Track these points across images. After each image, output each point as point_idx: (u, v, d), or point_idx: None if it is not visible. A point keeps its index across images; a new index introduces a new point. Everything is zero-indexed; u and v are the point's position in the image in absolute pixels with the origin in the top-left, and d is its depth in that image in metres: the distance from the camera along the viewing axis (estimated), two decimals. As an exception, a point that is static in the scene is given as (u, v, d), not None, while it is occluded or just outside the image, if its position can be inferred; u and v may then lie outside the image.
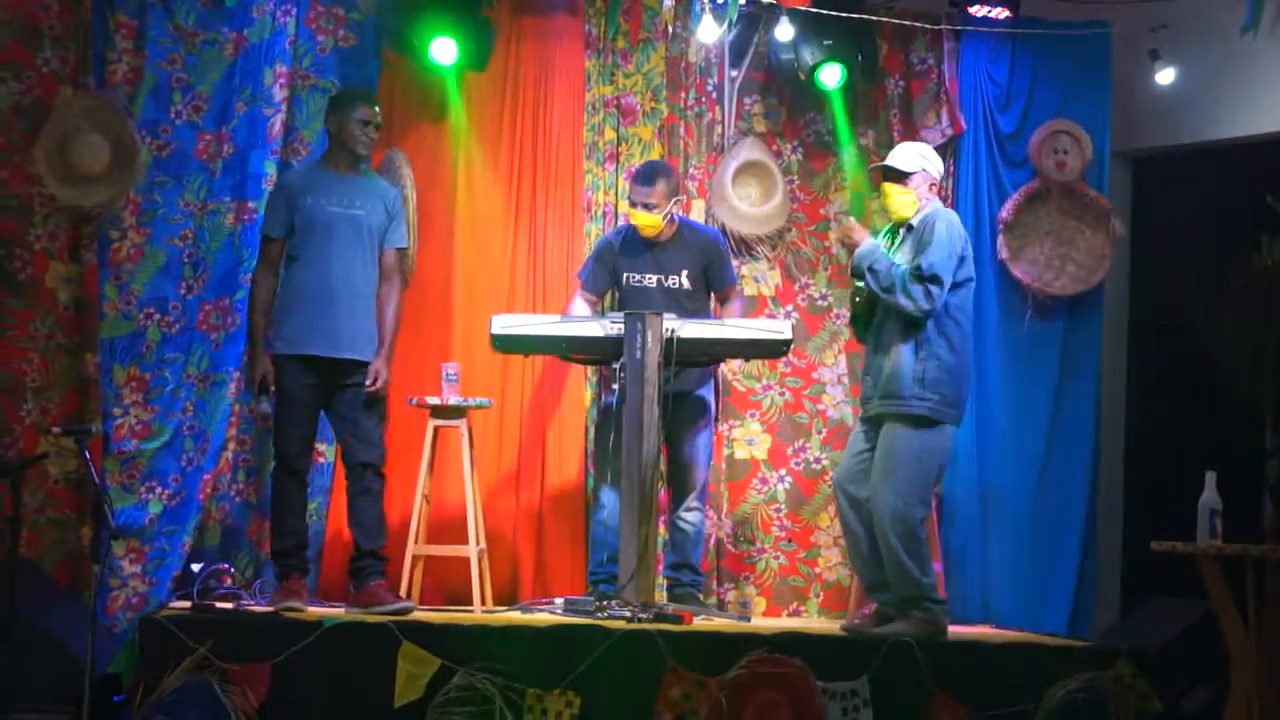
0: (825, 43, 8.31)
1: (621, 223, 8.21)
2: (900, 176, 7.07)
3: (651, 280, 7.79)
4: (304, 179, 7.28)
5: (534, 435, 8.29)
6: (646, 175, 7.76)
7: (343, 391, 7.15)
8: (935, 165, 7.18)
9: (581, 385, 8.34)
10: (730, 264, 8.04)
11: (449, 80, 8.21)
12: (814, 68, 8.37)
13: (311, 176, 7.27)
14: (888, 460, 6.94)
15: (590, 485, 8.20)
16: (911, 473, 6.95)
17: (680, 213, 7.90)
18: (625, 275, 7.83)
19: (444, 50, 7.97)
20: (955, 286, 6.97)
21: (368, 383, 7.11)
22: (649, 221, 7.71)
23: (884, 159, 7.32)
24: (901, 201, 7.09)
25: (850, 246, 7.06)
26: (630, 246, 7.85)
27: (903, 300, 6.87)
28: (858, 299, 7.22)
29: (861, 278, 6.98)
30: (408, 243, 7.41)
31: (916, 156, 7.13)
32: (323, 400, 7.19)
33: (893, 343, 6.97)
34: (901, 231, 7.10)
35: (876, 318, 7.09)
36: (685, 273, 7.79)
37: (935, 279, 6.87)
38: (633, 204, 7.77)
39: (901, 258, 7.00)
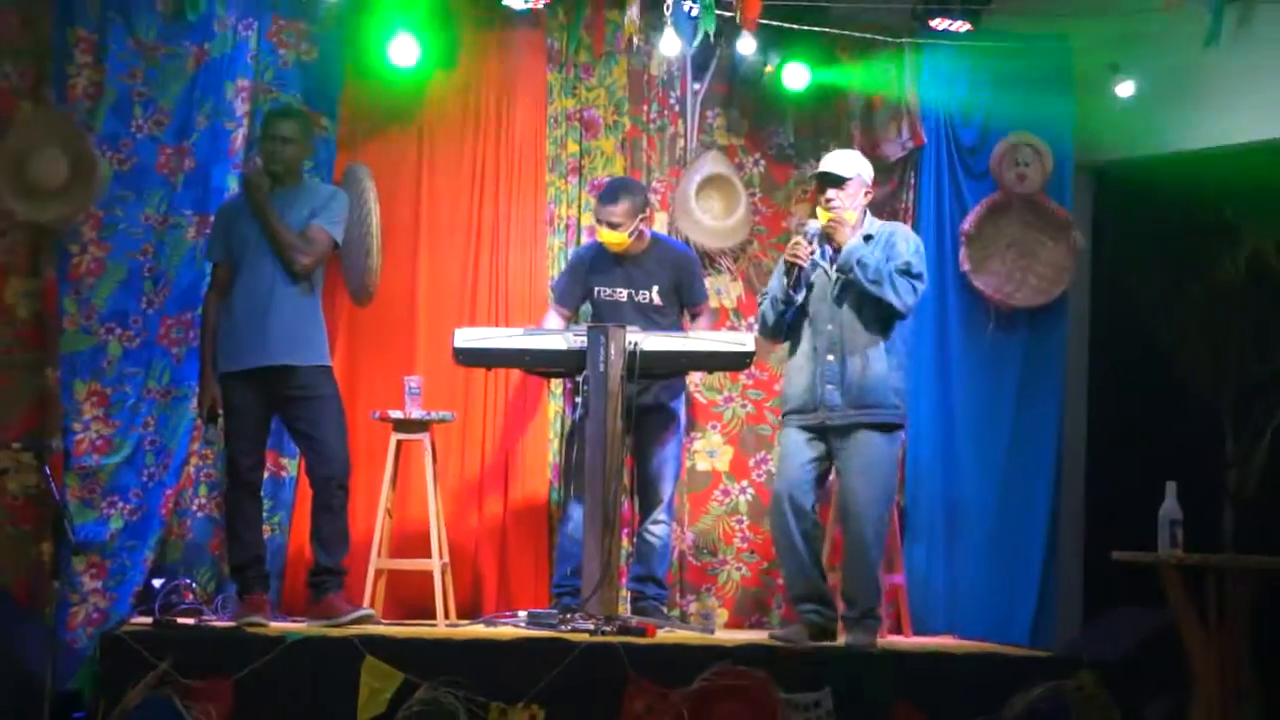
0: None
1: (589, 238, 8.23)
2: (839, 182, 7.10)
3: (623, 295, 7.80)
4: (237, 202, 7.31)
5: (497, 449, 8.28)
6: (610, 193, 7.77)
7: (289, 405, 7.15)
8: (869, 172, 7.24)
9: (545, 398, 8.33)
10: (701, 280, 8.05)
11: (412, 94, 8.21)
12: (779, 65, 8.40)
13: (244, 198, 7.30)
14: (869, 469, 6.97)
15: (556, 498, 8.20)
16: (888, 481, 7.08)
17: (650, 228, 7.91)
18: (597, 289, 7.84)
19: (404, 51, 7.95)
20: None
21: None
22: (614, 239, 7.72)
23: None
24: (848, 211, 7.09)
25: (837, 244, 7.04)
26: (601, 261, 7.86)
27: (890, 293, 6.91)
28: (784, 301, 7.18)
29: (849, 271, 6.96)
30: (338, 233, 7.32)
31: (853, 163, 7.17)
32: (269, 413, 7.21)
33: (862, 351, 6.98)
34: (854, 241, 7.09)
35: (831, 328, 7.06)
36: (656, 288, 7.80)
37: (919, 276, 7.00)
38: (598, 221, 7.78)
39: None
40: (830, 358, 7.04)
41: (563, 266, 8.18)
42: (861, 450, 6.99)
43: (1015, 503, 8.70)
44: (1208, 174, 8.83)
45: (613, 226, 7.70)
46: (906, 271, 6.97)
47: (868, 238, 7.09)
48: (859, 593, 7.03)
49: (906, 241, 7.09)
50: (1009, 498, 8.70)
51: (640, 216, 7.77)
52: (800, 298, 7.12)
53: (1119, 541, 6.92)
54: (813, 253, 7.08)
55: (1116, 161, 9.23)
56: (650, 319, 7.70)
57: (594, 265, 7.88)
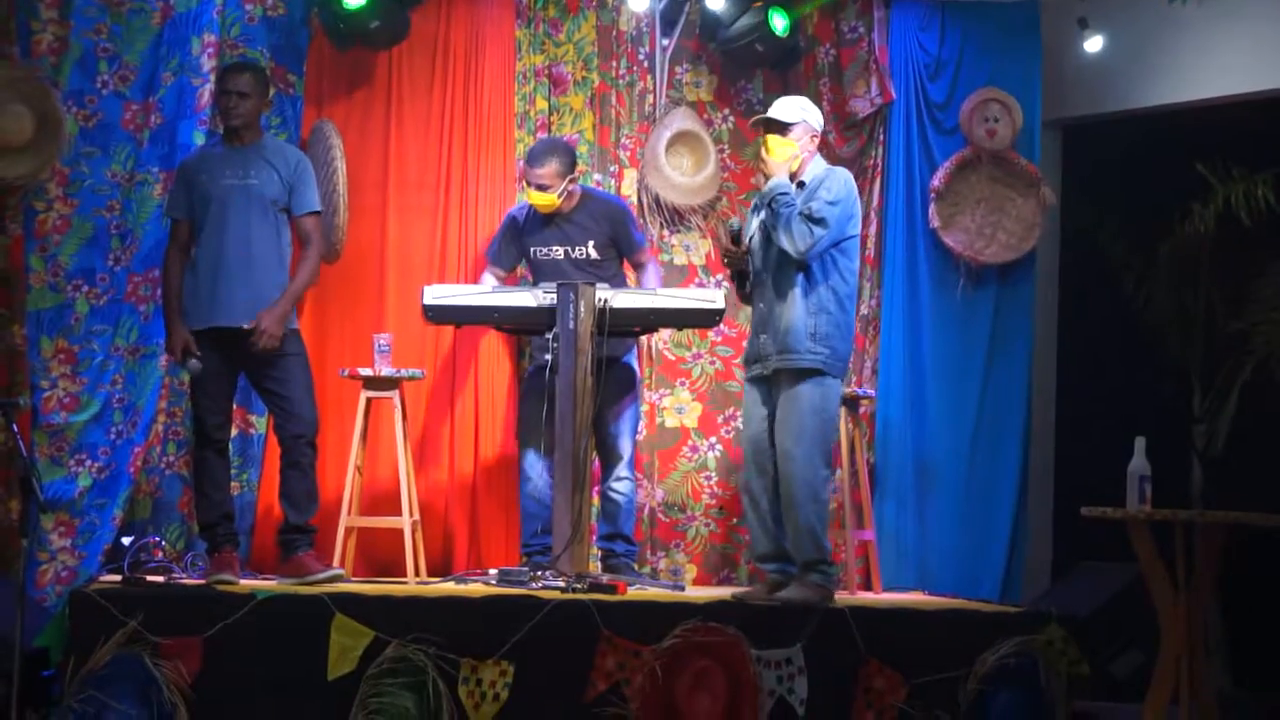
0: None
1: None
2: (782, 128, 7.06)
3: (559, 252, 7.77)
4: (200, 158, 7.27)
5: (467, 406, 8.27)
6: (537, 155, 7.73)
7: (256, 364, 7.11)
8: (816, 118, 7.16)
9: (515, 356, 8.32)
10: (636, 229, 8.02)
11: (379, 50, 8.18)
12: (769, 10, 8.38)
13: (206, 154, 7.27)
14: (791, 418, 6.90)
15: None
16: (814, 429, 6.89)
17: (580, 185, 7.87)
18: (533, 249, 7.82)
19: None
20: (841, 243, 6.97)
21: (251, 336, 6.99)
22: (542, 201, 7.69)
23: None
24: (784, 153, 7.07)
25: (766, 176, 7.06)
26: (534, 221, 7.83)
27: (783, 237, 6.85)
28: (745, 260, 7.22)
29: (772, 203, 6.96)
30: (320, 205, 7.33)
31: (798, 109, 7.12)
32: (235, 371, 7.18)
33: (786, 300, 6.96)
34: (794, 188, 7.07)
35: (766, 277, 7.07)
36: (591, 243, 7.77)
37: (820, 221, 6.82)
38: (526, 184, 7.75)
39: None
40: (762, 306, 7.05)
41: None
42: (784, 399, 6.95)
43: (985, 459, 8.72)
44: (1176, 130, 8.86)
45: (541, 188, 7.67)
46: (808, 215, 6.86)
47: (801, 184, 7.04)
48: (795, 546, 6.96)
49: (829, 189, 6.94)
50: (979, 454, 8.72)
51: (569, 177, 7.72)
52: (748, 287, 7.18)
53: (1088, 498, 6.93)
54: (747, 251, 7.10)
55: (1085, 118, 9.24)
56: (589, 274, 7.67)
57: (527, 226, 7.85)
